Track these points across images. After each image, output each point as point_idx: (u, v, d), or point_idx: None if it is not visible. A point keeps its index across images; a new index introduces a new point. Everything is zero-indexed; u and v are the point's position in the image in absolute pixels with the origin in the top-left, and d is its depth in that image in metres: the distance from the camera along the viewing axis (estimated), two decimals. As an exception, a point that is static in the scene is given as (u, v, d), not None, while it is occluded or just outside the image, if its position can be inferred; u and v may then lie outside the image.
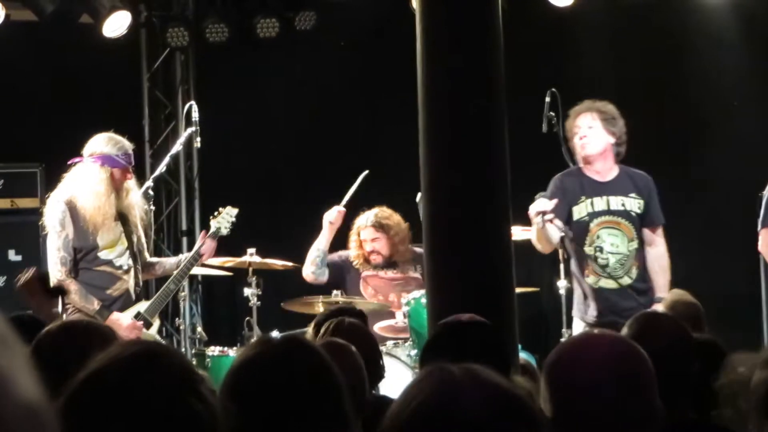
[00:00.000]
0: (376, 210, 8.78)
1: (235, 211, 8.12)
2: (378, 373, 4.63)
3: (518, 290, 5.86)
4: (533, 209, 7.29)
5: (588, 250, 7.52)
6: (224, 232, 8.04)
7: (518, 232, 7.27)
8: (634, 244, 7.57)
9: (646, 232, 7.62)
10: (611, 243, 7.53)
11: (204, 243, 7.93)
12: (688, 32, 10.04)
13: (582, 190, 7.56)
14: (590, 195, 7.54)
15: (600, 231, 7.52)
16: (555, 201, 7.35)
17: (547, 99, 7.85)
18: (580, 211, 7.55)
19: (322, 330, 4.52)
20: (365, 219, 8.77)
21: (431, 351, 4.05)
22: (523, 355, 6.72)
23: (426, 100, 5.70)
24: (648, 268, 7.58)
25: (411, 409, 1.95)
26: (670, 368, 3.64)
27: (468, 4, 5.73)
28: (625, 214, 7.57)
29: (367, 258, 8.75)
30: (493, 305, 5.33)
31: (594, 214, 7.54)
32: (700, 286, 7.92)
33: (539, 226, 7.31)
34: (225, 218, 8.07)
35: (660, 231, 7.67)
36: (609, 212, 7.55)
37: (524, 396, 2.00)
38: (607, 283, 7.49)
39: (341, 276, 8.76)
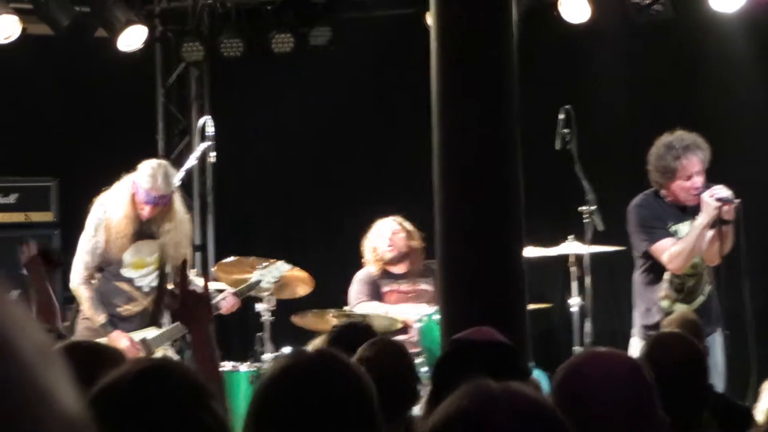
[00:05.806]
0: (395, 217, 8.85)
1: (287, 267, 7.95)
2: (414, 395, 4.63)
3: (530, 307, 5.84)
4: (712, 197, 7.07)
5: (666, 274, 7.35)
6: (265, 285, 7.89)
7: (531, 250, 7.24)
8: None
9: None
10: (692, 265, 7.35)
11: (225, 298, 7.76)
12: (703, 50, 10.02)
13: (669, 217, 7.36)
14: (675, 222, 7.36)
15: None
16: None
17: (561, 116, 7.82)
18: None
19: (359, 351, 4.53)
20: (389, 219, 8.81)
21: (443, 367, 4.03)
22: (537, 373, 6.70)
23: (441, 116, 5.70)
24: None
25: (448, 418, 1.98)
26: (684, 383, 3.74)
27: (483, 20, 5.73)
28: None
29: (383, 259, 8.73)
30: (505, 323, 5.32)
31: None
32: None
33: (730, 205, 7.07)
34: (272, 272, 7.92)
35: None
36: None
37: (558, 413, 2.03)
38: (681, 308, 7.32)
39: (377, 291, 8.76)
